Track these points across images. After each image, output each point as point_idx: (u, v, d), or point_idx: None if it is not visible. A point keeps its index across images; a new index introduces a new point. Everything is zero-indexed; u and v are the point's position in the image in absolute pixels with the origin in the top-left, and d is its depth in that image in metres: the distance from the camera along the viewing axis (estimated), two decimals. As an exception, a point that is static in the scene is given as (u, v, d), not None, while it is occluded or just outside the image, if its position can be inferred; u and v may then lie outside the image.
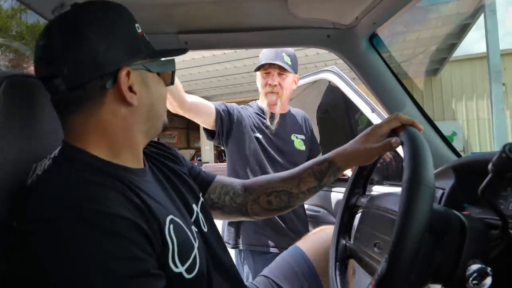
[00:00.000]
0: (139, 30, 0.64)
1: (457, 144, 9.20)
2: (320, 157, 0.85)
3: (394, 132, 0.75)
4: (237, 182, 0.92)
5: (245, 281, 1.46)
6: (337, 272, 0.85)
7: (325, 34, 1.06)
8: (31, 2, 0.83)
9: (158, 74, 0.68)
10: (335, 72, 1.62)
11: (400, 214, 0.57)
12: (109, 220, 0.49)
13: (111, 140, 0.61)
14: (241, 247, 1.53)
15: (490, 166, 0.61)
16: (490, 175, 0.63)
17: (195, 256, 0.62)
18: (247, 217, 0.90)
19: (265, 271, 1.05)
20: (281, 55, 1.52)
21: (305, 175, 0.84)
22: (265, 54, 1.55)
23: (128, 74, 0.60)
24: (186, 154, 15.87)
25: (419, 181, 0.58)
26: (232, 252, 1.57)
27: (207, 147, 11.89)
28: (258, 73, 1.60)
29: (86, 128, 0.59)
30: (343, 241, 0.88)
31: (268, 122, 1.56)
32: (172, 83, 0.72)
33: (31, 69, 0.64)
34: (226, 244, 1.57)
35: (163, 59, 0.68)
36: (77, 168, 0.55)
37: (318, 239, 1.05)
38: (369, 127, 0.80)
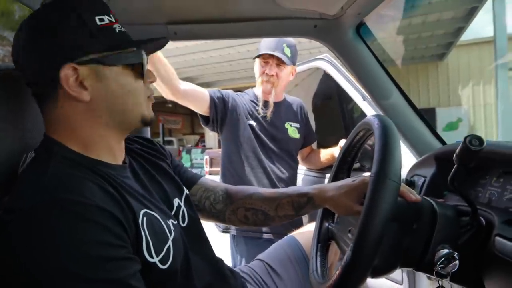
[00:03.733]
0: (102, 22, 0.62)
1: (463, 130, 9.12)
2: (302, 189, 0.85)
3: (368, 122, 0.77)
4: (220, 187, 0.92)
5: (238, 265, 1.53)
6: (318, 253, 0.88)
7: (311, 24, 1.07)
8: (21, -4, 0.85)
9: (133, 67, 0.66)
10: (328, 60, 1.63)
11: (365, 207, 0.60)
12: (85, 209, 0.51)
13: (79, 135, 0.63)
14: (233, 233, 1.58)
15: (454, 157, 0.64)
16: (455, 165, 0.65)
17: (168, 248, 0.63)
18: (223, 223, 0.92)
19: (261, 256, 1.08)
20: (281, 46, 1.53)
21: (284, 202, 0.86)
22: (266, 43, 1.56)
23: (75, 70, 0.60)
24: (191, 139, 15.95)
25: (385, 176, 0.60)
26: (223, 237, 1.63)
27: (211, 133, 11.93)
28: (256, 60, 1.61)
29: (55, 121, 0.63)
30: (326, 224, 0.91)
31: (261, 110, 1.58)
32: (141, 76, 0.67)
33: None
34: (216, 228, 1.62)
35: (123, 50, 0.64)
36: (55, 160, 0.58)
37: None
38: (358, 178, 0.79)
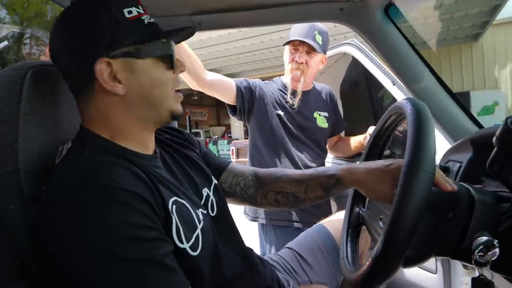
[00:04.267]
0: (131, 15, 0.63)
1: (500, 114, 8.66)
2: (330, 170, 0.85)
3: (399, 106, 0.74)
4: (249, 172, 0.93)
5: (267, 253, 1.54)
6: (348, 238, 0.87)
7: (338, 7, 1.04)
8: (50, -7, 0.88)
9: (163, 58, 0.66)
10: (355, 45, 1.58)
11: (396, 198, 0.58)
12: (117, 193, 0.53)
13: (113, 126, 0.64)
14: (262, 221, 1.58)
15: (494, 139, 0.60)
16: (495, 149, 0.62)
17: (197, 236, 0.64)
18: (255, 206, 0.94)
19: (290, 244, 1.09)
20: (313, 33, 1.49)
21: (313, 184, 0.86)
22: (297, 29, 1.52)
23: (109, 64, 0.61)
24: (217, 131, 16.13)
25: (418, 167, 0.58)
26: (252, 225, 1.64)
27: (237, 124, 12.00)
28: (286, 47, 1.58)
29: (91, 114, 0.65)
30: (357, 209, 0.90)
31: (289, 98, 1.56)
32: (171, 66, 0.68)
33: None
34: (245, 216, 1.63)
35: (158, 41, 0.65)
36: (89, 149, 0.60)
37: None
38: (394, 161, 0.75)
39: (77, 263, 0.50)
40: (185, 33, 0.73)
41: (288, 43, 1.54)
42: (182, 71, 0.71)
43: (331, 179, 0.84)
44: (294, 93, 1.56)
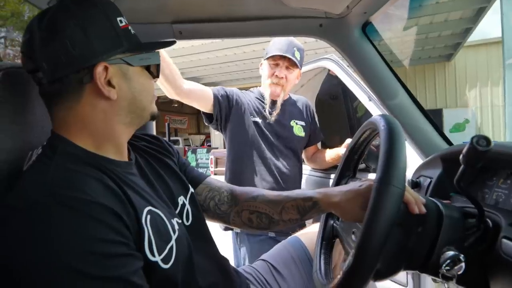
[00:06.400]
0: (122, 24, 0.65)
1: (470, 132, 9.04)
2: (307, 193, 0.83)
3: (373, 122, 0.76)
4: (225, 188, 0.91)
5: (242, 263, 1.53)
6: (322, 251, 0.87)
7: (317, 23, 1.06)
8: (27, -6, 0.86)
9: (148, 67, 0.70)
10: (333, 60, 1.62)
11: (367, 214, 0.59)
12: (86, 206, 0.51)
13: (92, 132, 0.63)
14: (236, 230, 1.58)
15: (461, 157, 0.63)
16: (462, 166, 0.64)
17: (171, 247, 0.63)
18: (227, 224, 0.91)
19: (264, 256, 1.08)
20: (292, 49, 1.53)
21: (289, 205, 0.83)
22: (277, 44, 1.54)
23: (105, 68, 0.61)
24: (196, 139, 16.01)
25: (388, 183, 0.59)
26: (225, 235, 1.63)
27: (217, 133, 11.95)
28: (264, 62, 1.60)
29: (68, 119, 0.62)
30: (331, 221, 0.91)
31: (268, 110, 1.58)
32: (157, 75, 0.73)
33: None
34: (219, 226, 1.62)
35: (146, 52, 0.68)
36: (59, 156, 0.58)
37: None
38: (366, 182, 0.75)
39: (37, 278, 0.48)
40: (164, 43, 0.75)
41: (269, 57, 1.57)
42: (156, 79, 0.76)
43: (308, 202, 0.82)
44: (274, 103, 1.58)
